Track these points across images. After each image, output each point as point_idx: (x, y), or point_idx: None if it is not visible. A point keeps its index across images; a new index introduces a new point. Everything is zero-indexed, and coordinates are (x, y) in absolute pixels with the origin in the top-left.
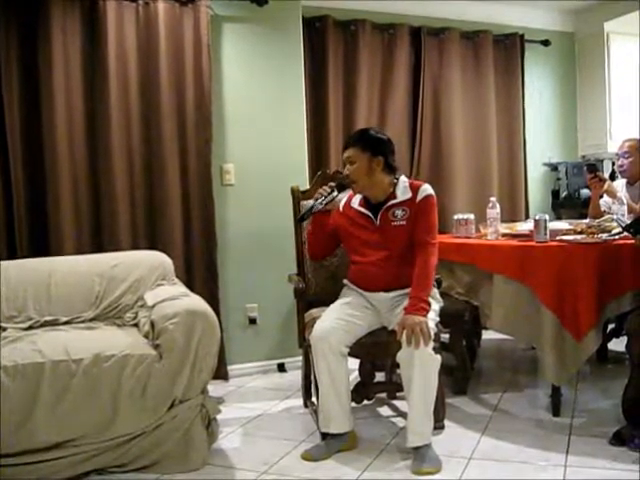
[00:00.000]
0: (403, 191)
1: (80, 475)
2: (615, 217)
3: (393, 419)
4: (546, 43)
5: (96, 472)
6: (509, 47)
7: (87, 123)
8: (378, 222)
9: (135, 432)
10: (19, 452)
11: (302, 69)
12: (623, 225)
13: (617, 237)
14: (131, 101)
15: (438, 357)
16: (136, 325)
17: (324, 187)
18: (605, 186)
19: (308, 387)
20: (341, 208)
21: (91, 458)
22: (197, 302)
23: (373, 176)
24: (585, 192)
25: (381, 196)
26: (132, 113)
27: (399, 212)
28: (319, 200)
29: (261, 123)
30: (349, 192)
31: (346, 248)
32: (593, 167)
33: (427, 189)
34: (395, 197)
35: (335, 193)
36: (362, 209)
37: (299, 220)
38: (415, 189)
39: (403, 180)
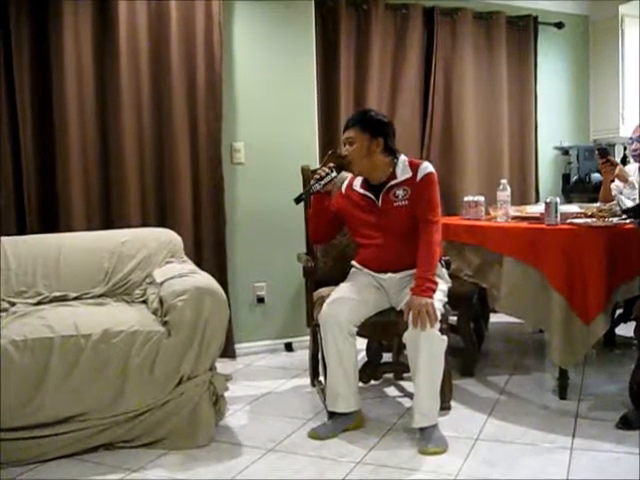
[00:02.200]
0: (403, 170)
1: (88, 449)
2: (617, 199)
3: (400, 399)
4: (560, 25)
5: (104, 447)
6: (522, 29)
7: (98, 101)
8: (380, 203)
9: (143, 408)
10: (27, 426)
11: (313, 48)
12: (623, 207)
13: (628, 221)
14: (142, 79)
15: (444, 338)
16: (145, 302)
17: (323, 168)
18: (616, 170)
19: (315, 366)
20: (343, 190)
21: (99, 433)
22: (206, 280)
23: (372, 157)
24: (596, 176)
25: (381, 177)
26: (143, 91)
27: (400, 192)
28: (318, 181)
29: (272, 102)
30: (350, 175)
31: (350, 231)
32: (604, 151)
33: (427, 167)
34: (395, 177)
35: (334, 174)
36: (364, 191)
37: (296, 201)
38: (415, 167)
39: (402, 159)
